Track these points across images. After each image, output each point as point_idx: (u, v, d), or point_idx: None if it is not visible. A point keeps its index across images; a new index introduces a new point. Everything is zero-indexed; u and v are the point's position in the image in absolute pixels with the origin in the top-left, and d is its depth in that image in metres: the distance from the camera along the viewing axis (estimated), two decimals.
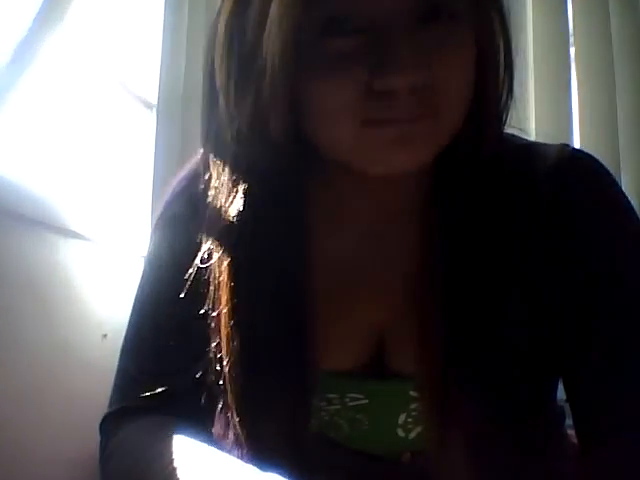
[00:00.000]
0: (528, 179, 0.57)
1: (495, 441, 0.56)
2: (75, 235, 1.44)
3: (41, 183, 1.45)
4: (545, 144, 0.60)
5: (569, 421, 0.70)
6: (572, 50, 1.76)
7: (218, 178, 0.55)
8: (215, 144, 0.55)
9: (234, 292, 0.54)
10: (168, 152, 1.90)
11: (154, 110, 1.96)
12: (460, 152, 0.54)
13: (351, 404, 0.58)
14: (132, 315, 0.64)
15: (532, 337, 0.57)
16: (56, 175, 1.56)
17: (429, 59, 0.48)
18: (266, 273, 0.55)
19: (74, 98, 1.65)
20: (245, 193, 0.53)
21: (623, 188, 1.41)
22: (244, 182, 0.53)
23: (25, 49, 1.38)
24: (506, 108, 0.56)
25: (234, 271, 0.54)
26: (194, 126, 2.23)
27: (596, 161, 0.59)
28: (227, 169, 0.54)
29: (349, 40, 0.48)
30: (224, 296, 0.54)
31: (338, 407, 0.58)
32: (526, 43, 1.79)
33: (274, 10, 0.45)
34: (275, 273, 0.55)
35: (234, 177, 0.54)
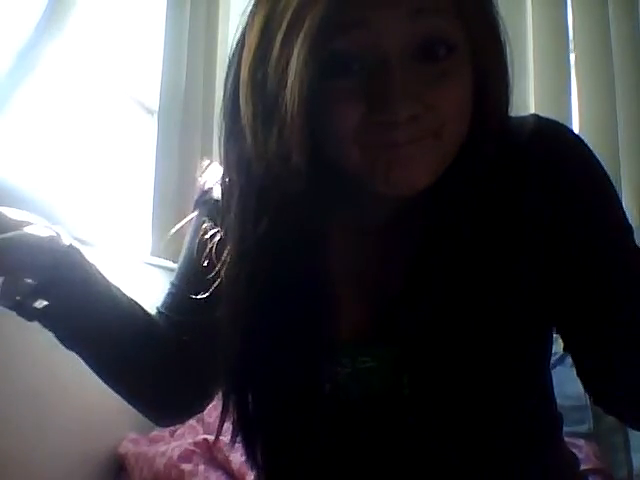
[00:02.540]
0: (513, 159, 0.60)
1: (488, 445, 0.59)
2: (76, 240, 1.44)
3: (42, 188, 1.46)
4: (517, 117, 0.63)
5: (566, 428, 0.71)
6: (572, 56, 1.77)
7: (241, 205, 0.61)
8: (238, 173, 0.61)
9: (251, 290, 0.60)
10: (169, 157, 1.91)
11: (155, 116, 1.97)
12: (462, 160, 0.57)
13: (361, 367, 0.62)
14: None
15: (532, 331, 0.60)
16: (57, 180, 1.56)
17: (425, 90, 0.53)
18: (284, 275, 0.60)
19: (76, 104, 1.66)
20: (270, 218, 0.59)
21: (622, 189, 1.41)
22: (269, 209, 0.59)
23: (28, 55, 1.39)
24: (506, 117, 0.60)
25: (252, 274, 0.60)
26: (194, 131, 2.25)
27: (566, 127, 0.63)
28: (251, 197, 0.60)
29: (351, 78, 0.53)
30: (240, 297, 0.60)
31: (349, 370, 0.62)
32: (526, 50, 1.80)
33: (292, 65, 0.52)
34: (293, 275, 0.60)
35: (258, 205, 0.59)
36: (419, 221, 0.61)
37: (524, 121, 0.62)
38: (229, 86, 0.59)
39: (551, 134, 0.61)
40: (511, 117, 0.61)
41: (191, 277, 0.69)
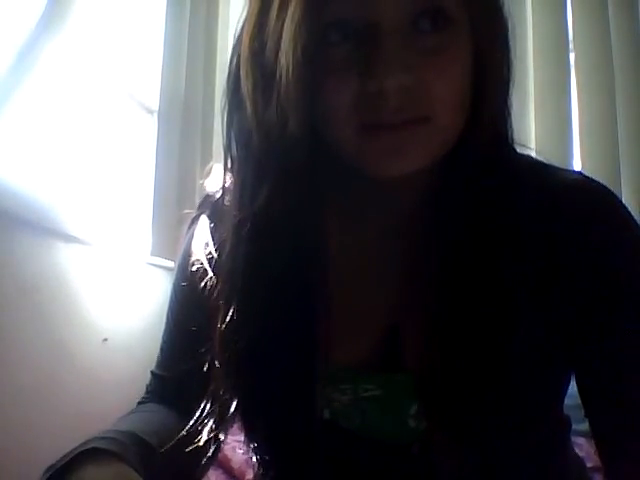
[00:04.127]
0: (542, 195, 0.58)
1: (497, 447, 0.57)
2: (76, 239, 1.44)
3: (42, 188, 1.46)
4: (561, 168, 0.63)
5: (575, 426, 0.71)
6: (572, 56, 1.76)
7: (240, 178, 0.59)
8: (239, 145, 0.60)
9: (244, 285, 0.58)
10: (169, 156, 1.91)
11: (155, 115, 1.97)
12: (466, 155, 0.56)
13: (364, 394, 0.60)
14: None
15: (539, 343, 0.58)
16: (57, 180, 1.56)
17: (419, 62, 0.51)
18: (278, 267, 0.58)
19: (76, 103, 1.66)
20: (269, 190, 0.57)
21: (622, 189, 1.41)
22: (268, 179, 0.57)
23: (27, 54, 1.39)
24: (508, 113, 0.58)
25: (246, 264, 0.58)
26: (194, 131, 2.24)
27: (612, 194, 0.61)
28: (251, 169, 0.59)
29: (346, 47, 0.52)
30: (233, 289, 0.58)
31: (351, 397, 0.60)
32: (526, 49, 1.80)
33: (286, 30, 0.51)
34: (287, 268, 0.58)
35: (258, 176, 0.58)
36: (424, 231, 0.60)
37: (570, 174, 0.60)
38: (233, 61, 0.59)
39: (595, 191, 0.59)
40: (557, 167, 0.61)
41: (184, 314, 0.67)
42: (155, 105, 1.96)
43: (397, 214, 0.62)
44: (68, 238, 1.42)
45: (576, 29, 1.77)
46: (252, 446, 0.62)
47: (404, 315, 0.60)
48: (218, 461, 1.41)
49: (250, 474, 1.39)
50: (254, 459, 0.63)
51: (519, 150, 0.62)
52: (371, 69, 0.50)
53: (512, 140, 0.60)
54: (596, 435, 0.58)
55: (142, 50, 1.98)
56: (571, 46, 1.78)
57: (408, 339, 0.59)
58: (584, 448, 1.14)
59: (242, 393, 0.59)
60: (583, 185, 0.59)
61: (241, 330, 0.58)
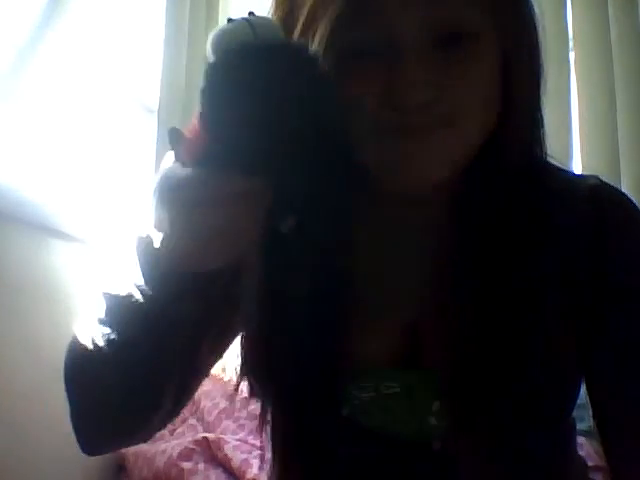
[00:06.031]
0: (565, 198, 0.60)
1: (515, 446, 0.58)
2: (73, 238, 1.44)
3: (39, 187, 1.46)
4: (577, 174, 0.66)
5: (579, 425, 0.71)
6: (571, 55, 1.76)
7: None
8: None
9: (268, 289, 0.59)
10: None
11: (155, 114, 1.97)
12: (494, 162, 0.57)
13: (386, 392, 0.61)
14: None
15: (560, 349, 0.59)
16: (55, 179, 1.56)
17: (439, 78, 0.52)
18: (302, 271, 0.58)
19: (75, 102, 1.66)
20: None
21: (622, 189, 1.41)
22: None
23: (25, 54, 1.39)
24: (541, 123, 0.61)
25: (268, 268, 0.58)
26: None
27: (626, 195, 0.64)
28: None
29: (366, 65, 0.53)
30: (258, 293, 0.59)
31: (372, 395, 0.61)
32: None
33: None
34: (312, 271, 0.58)
35: None
36: (449, 241, 0.60)
37: (585, 179, 0.63)
38: None
39: (611, 195, 0.62)
40: (572, 173, 0.63)
41: None
42: (155, 104, 1.96)
43: (421, 219, 0.62)
44: (66, 237, 1.42)
45: (576, 28, 1.77)
46: (268, 442, 0.63)
47: (425, 314, 0.61)
48: (218, 460, 1.41)
49: (250, 473, 1.39)
50: (269, 456, 0.64)
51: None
52: (391, 90, 0.51)
53: (545, 151, 0.62)
54: (602, 435, 0.58)
55: (142, 49, 1.98)
56: (571, 45, 1.77)
57: (428, 337, 0.60)
58: (584, 448, 1.15)
59: (264, 391, 0.61)
60: (604, 191, 0.61)
61: (265, 330, 0.59)
